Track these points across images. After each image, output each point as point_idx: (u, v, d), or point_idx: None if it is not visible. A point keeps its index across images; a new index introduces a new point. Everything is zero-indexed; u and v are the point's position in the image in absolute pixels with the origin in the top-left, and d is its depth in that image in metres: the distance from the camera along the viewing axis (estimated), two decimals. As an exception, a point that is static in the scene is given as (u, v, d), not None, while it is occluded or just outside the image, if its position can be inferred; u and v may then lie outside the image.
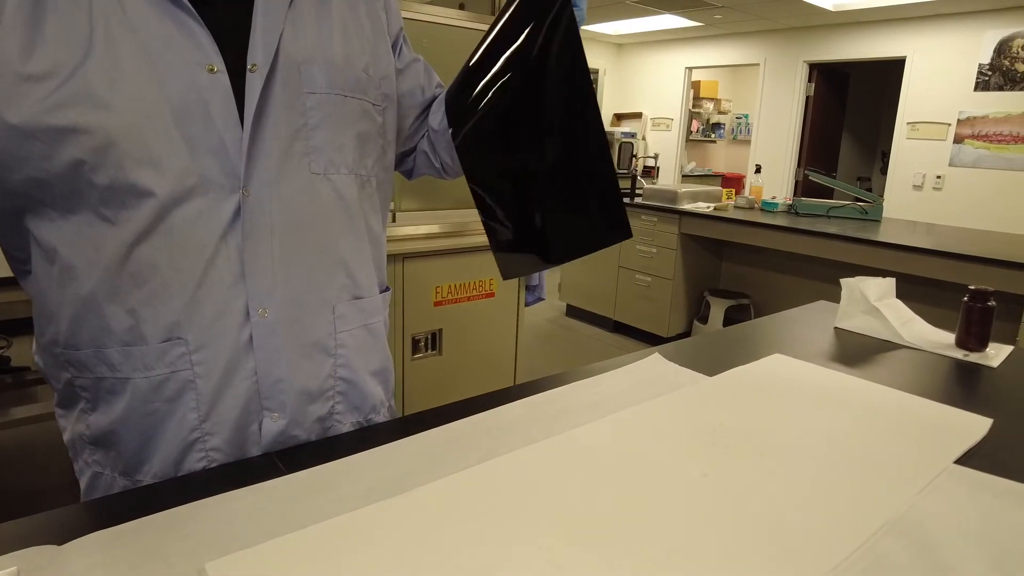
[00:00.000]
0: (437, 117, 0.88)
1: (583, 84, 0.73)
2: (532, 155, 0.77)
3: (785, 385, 0.94)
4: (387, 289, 0.87)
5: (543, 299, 2.54)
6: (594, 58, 6.79)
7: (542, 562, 0.53)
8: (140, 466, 0.71)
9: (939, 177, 5.21)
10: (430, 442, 0.73)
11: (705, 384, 0.93)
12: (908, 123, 5.35)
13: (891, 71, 5.78)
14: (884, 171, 5.75)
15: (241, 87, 0.66)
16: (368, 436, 0.75)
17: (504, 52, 0.76)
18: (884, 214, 3.63)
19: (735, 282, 3.97)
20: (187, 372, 0.67)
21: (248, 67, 0.67)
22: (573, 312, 4.48)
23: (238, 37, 0.67)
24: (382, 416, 0.85)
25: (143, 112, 0.62)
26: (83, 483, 0.74)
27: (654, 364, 1.01)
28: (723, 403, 0.86)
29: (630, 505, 0.62)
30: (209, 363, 0.67)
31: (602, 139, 0.74)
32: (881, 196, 4.61)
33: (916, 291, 2.82)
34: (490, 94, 0.77)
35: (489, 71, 0.77)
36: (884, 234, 3.06)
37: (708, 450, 0.73)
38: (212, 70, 0.65)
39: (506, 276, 0.82)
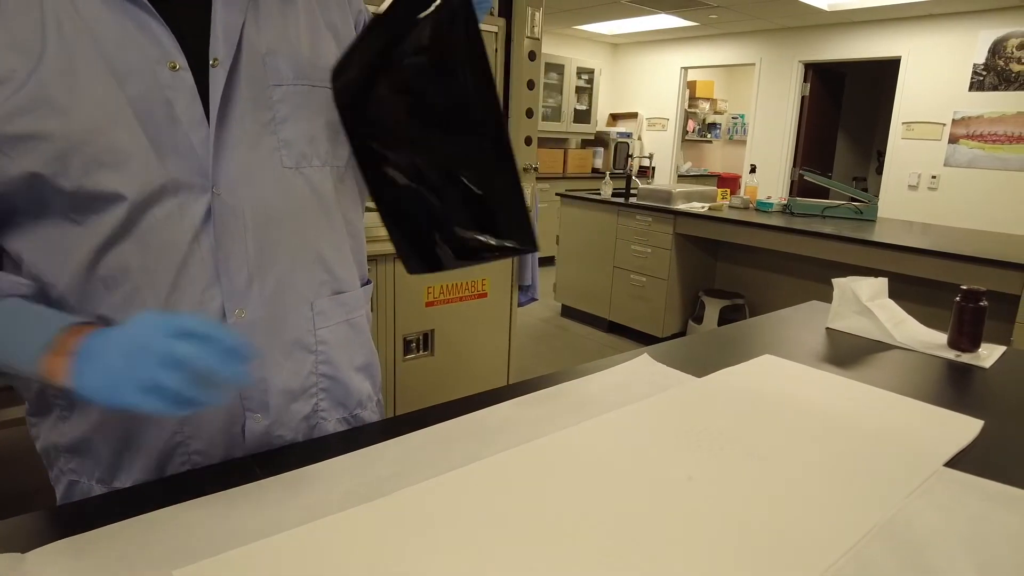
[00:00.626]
0: None
1: (481, 82, 0.66)
2: (420, 153, 0.72)
3: (774, 387, 0.93)
4: (368, 282, 0.85)
5: (536, 299, 2.53)
6: (589, 58, 6.78)
7: (523, 566, 0.52)
8: (118, 472, 0.69)
9: (934, 177, 5.21)
10: (413, 445, 0.72)
11: (693, 385, 0.92)
12: (903, 123, 5.34)
13: (886, 71, 5.78)
14: (880, 171, 5.75)
15: (205, 84, 0.64)
16: (352, 437, 0.74)
17: (389, 40, 0.68)
18: (879, 214, 3.62)
19: (730, 282, 3.96)
20: None
21: (210, 62, 0.64)
22: (568, 312, 4.47)
23: (199, 32, 0.64)
24: (369, 411, 0.84)
25: (104, 115, 0.59)
26: (59, 491, 0.72)
27: (643, 365, 0.99)
28: (710, 405, 0.85)
29: (614, 508, 0.60)
30: None
31: (502, 144, 0.68)
32: (876, 196, 4.60)
33: (910, 291, 2.81)
34: (375, 86, 0.70)
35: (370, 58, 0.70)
36: (879, 234, 3.05)
37: (694, 453, 0.72)
38: (174, 67, 0.62)
39: (410, 271, 0.76)
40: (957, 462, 0.74)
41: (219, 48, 0.64)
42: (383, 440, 0.72)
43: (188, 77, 0.63)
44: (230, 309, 0.67)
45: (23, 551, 0.51)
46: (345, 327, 0.78)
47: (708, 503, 0.62)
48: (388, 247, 0.77)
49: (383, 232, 0.75)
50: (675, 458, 0.70)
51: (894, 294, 1.30)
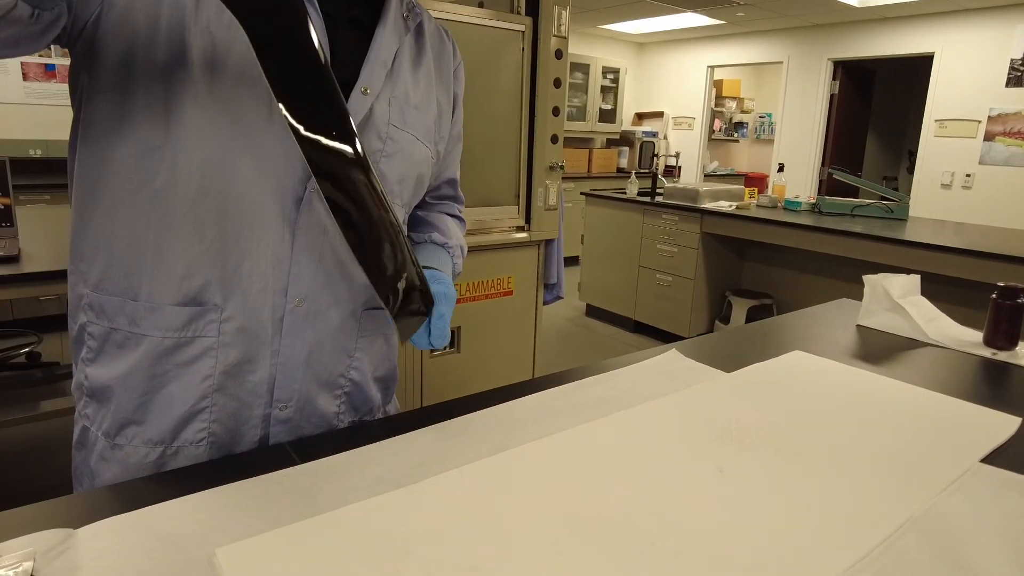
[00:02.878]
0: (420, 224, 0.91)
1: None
2: None
3: (804, 382, 0.93)
4: None
5: (561, 297, 2.53)
6: (615, 57, 6.75)
7: (550, 554, 0.52)
8: (125, 429, 0.70)
9: (968, 176, 5.10)
10: (442, 434, 0.73)
11: (722, 380, 0.92)
12: (936, 120, 5.24)
13: (919, 68, 5.67)
14: (911, 170, 5.64)
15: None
16: (382, 427, 0.75)
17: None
18: (911, 213, 3.55)
19: (758, 282, 3.92)
20: (211, 339, 0.68)
21: (361, 89, 0.72)
22: (593, 312, 4.46)
23: (349, 58, 0.72)
24: (376, 419, 0.87)
25: (253, 110, 0.65)
26: (75, 434, 0.75)
27: (671, 360, 0.99)
28: (740, 399, 0.85)
29: (643, 499, 0.61)
30: (236, 335, 0.69)
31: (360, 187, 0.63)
32: (908, 195, 4.51)
33: (944, 291, 2.75)
34: None
35: None
36: (910, 233, 3.00)
37: (724, 446, 0.72)
38: None
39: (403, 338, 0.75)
40: (994, 459, 0.73)
41: (371, 79, 0.73)
42: (413, 430, 0.73)
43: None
44: (292, 295, 0.71)
45: (75, 527, 0.53)
46: (382, 340, 0.83)
47: (739, 494, 0.62)
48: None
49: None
50: (705, 451, 0.71)
51: (926, 294, 1.28)
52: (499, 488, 0.62)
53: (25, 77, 4.01)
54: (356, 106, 0.71)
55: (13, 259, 1.76)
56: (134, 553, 0.51)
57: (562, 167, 2.33)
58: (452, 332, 2.25)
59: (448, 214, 0.96)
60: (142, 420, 0.70)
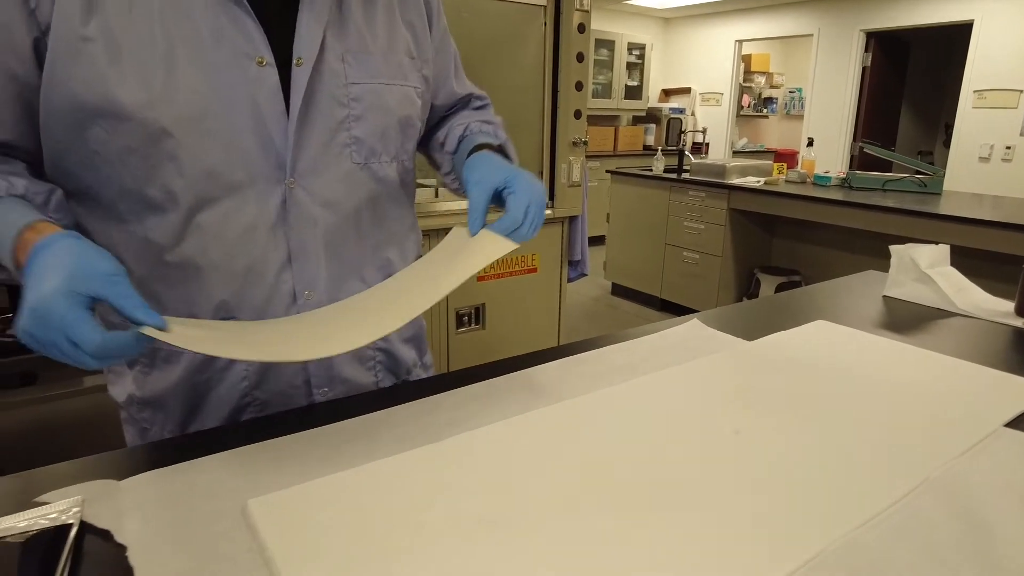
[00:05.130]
0: (451, 137, 0.87)
1: None
2: None
3: (827, 350, 0.93)
4: (420, 256, 0.90)
5: (586, 274, 2.54)
6: (640, 33, 6.65)
7: (568, 510, 0.54)
8: (188, 427, 0.75)
9: (1008, 148, 4.93)
10: (466, 397, 0.75)
11: (743, 348, 0.92)
12: (975, 91, 5.07)
13: (956, 37, 5.48)
14: (947, 144, 5.48)
15: (287, 80, 0.66)
16: (410, 389, 0.77)
17: None
18: (947, 188, 3.46)
19: (786, 258, 3.86)
20: None
21: (294, 61, 0.66)
22: (618, 291, 4.45)
23: (283, 30, 0.67)
24: (415, 376, 0.90)
25: (196, 103, 0.62)
26: (128, 434, 0.78)
27: (693, 329, 1.00)
28: (760, 366, 0.85)
29: (659, 458, 0.62)
30: None
31: None
32: (943, 169, 4.38)
33: (981, 266, 2.68)
34: None
35: None
36: (944, 207, 2.93)
37: (742, 409, 0.73)
38: (261, 63, 0.65)
39: None
40: (1019, 424, 0.72)
41: (303, 48, 0.67)
42: (438, 393, 0.75)
43: (273, 73, 0.66)
44: (300, 291, 0.72)
45: (118, 479, 0.56)
46: None
47: (756, 455, 0.63)
48: (441, 222, 0.84)
49: (436, 207, 0.80)
50: (723, 413, 0.71)
51: (962, 269, 1.25)
52: (520, 447, 0.63)
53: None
54: (297, 82, 0.66)
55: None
56: (173, 503, 0.54)
57: (585, 143, 2.32)
58: (477, 309, 2.28)
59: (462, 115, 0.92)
60: (199, 418, 0.74)
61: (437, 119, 0.91)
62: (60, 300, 0.49)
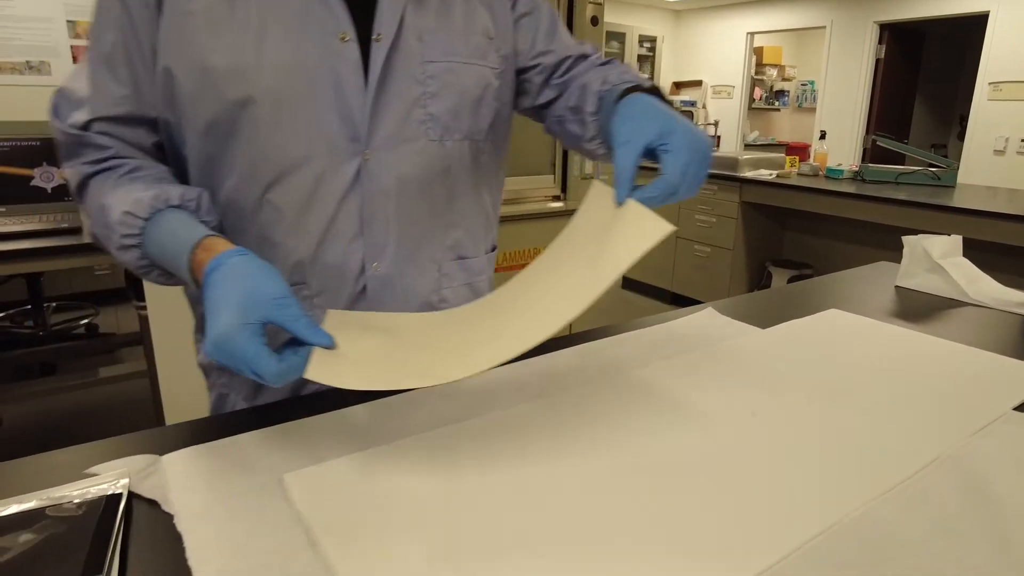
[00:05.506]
0: (588, 97, 0.79)
1: None
2: None
3: (839, 337, 0.94)
4: (494, 249, 0.91)
5: (598, 267, 2.55)
6: (651, 25, 6.63)
7: (595, 482, 0.56)
8: (261, 391, 0.79)
9: None
10: (485, 382, 0.77)
11: (757, 335, 0.94)
12: (990, 83, 5.03)
13: (971, 28, 5.43)
14: (962, 137, 5.44)
15: (366, 56, 0.70)
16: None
17: None
18: (961, 180, 3.45)
19: (798, 252, 3.86)
20: (309, 314, 0.74)
21: (373, 37, 0.70)
22: (629, 284, 4.46)
23: (366, 8, 0.70)
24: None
25: (284, 76, 0.67)
26: (211, 400, 0.84)
27: (707, 318, 1.02)
28: (775, 352, 0.87)
29: (681, 437, 0.64)
30: (327, 307, 0.75)
31: None
32: (958, 162, 4.36)
33: (995, 260, 2.68)
34: None
35: None
36: (958, 200, 2.92)
37: (758, 393, 0.74)
38: (344, 38, 0.69)
39: None
40: (1028, 407, 0.74)
41: (383, 25, 0.70)
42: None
43: (355, 49, 0.69)
44: (368, 262, 0.75)
45: (160, 454, 0.59)
46: (466, 289, 0.85)
47: (773, 434, 0.65)
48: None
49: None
50: (739, 397, 0.73)
51: (976, 263, 1.26)
52: (545, 427, 0.66)
53: (75, 60, 4.14)
54: (375, 57, 0.70)
55: (77, 230, 1.86)
56: (212, 476, 0.56)
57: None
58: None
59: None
60: (270, 388, 0.77)
61: (547, 88, 0.87)
62: (237, 334, 0.52)
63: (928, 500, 0.56)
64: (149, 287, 1.68)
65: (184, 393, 1.74)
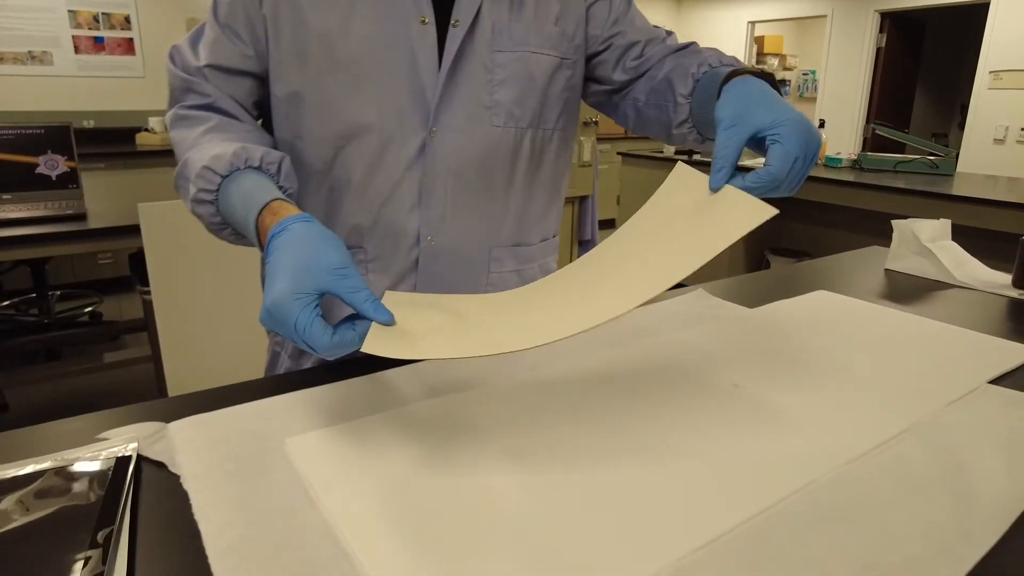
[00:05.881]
0: (680, 80, 0.78)
1: None
2: None
3: (826, 316, 0.97)
4: (551, 237, 0.93)
5: (596, 254, 2.58)
6: (653, 14, 6.62)
7: (582, 449, 0.59)
8: (305, 353, 0.82)
9: None
10: (480, 359, 0.79)
11: (745, 314, 0.96)
12: (991, 72, 5.03)
13: (973, 17, 5.42)
14: (963, 126, 5.44)
15: (442, 40, 0.74)
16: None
17: None
18: (961, 169, 3.46)
19: (797, 240, 3.88)
20: (363, 277, 0.77)
21: (451, 22, 0.74)
22: (628, 273, 4.48)
23: None
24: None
25: (365, 46, 0.72)
26: (267, 358, 0.90)
27: (697, 298, 1.04)
28: (761, 329, 0.90)
29: (664, 406, 0.67)
30: (381, 271, 0.80)
31: None
32: (958, 151, 4.36)
33: (995, 247, 2.70)
34: None
35: None
36: (957, 188, 2.94)
37: (742, 367, 0.77)
38: (424, 21, 0.74)
39: None
40: (1002, 382, 0.76)
41: (461, 12, 0.75)
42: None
43: (433, 31, 0.74)
44: (424, 235, 0.79)
45: (166, 422, 0.62)
46: (514, 276, 0.88)
47: (754, 403, 0.68)
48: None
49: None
50: (723, 369, 0.76)
51: (974, 250, 1.28)
52: (530, 402, 0.68)
53: (77, 50, 4.16)
54: (451, 42, 0.74)
55: (81, 217, 1.89)
56: (218, 442, 0.59)
57: (596, 123, 2.36)
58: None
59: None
60: None
61: (618, 70, 0.85)
62: (290, 303, 0.50)
63: (899, 464, 0.58)
64: (154, 273, 1.71)
65: (189, 378, 1.77)
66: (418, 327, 0.55)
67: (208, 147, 0.67)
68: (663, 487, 0.53)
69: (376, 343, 0.51)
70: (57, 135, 1.99)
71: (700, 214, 0.58)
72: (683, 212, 0.61)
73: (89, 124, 4.20)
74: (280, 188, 0.66)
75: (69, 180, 2.05)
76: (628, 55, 0.85)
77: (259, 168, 0.66)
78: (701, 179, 0.61)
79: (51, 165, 2.00)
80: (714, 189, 0.59)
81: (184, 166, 0.69)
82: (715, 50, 0.80)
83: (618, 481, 0.54)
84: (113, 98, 4.28)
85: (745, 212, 0.54)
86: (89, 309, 3.40)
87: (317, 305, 0.52)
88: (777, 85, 0.65)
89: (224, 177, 0.65)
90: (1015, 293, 1.13)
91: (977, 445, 0.62)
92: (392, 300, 0.59)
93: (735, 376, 0.74)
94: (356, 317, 0.54)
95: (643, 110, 0.83)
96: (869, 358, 0.81)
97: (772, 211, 0.52)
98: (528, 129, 0.81)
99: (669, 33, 0.87)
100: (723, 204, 0.57)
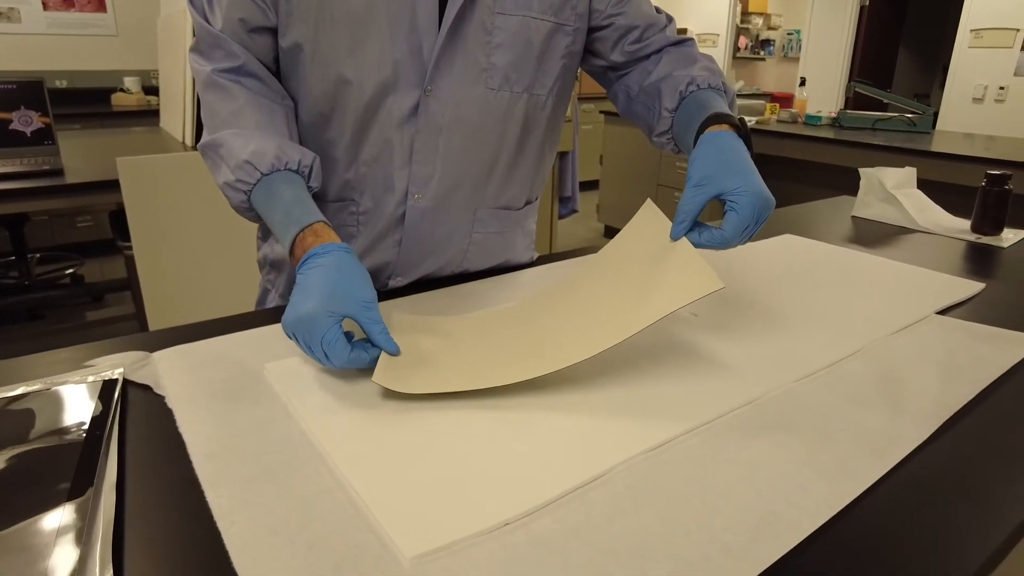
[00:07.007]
0: (669, 92, 0.80)
1: None
2: None
3: (789, 256, 1.00)
4: (534, 200, 0.95)
5: (576, 211, 2.60)
6: (637, -28, 6.51)
7: (534, 389, 0.62)
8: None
9: (1002, 88, 4.93)
10: (447, 295, 0.83)
11: (713, 253, 0.99)
12: (972, 31, 5.03)
13: (957, -25, 5.39)
14: (944, 86, 5.46)
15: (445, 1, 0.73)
16: (402, 292, 0.85)
17: None
18: (940, 127, 3.49)
19: (778, 199, 3.89)
20: (353, 228, 0.83)
21: None
22: (611, 233, 4.50)
23: None
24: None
25: (362, 6, 0.71)
26: (258, 294, 0.95)
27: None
28: (725, 266, 0.93)
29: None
30: (370, 225, 0.82)
31: None
32: (938, 112, 4.40)
33: (968, 204, 2.76)
34: None
35: None
36: (935, 145, 2.97)
37: (702, 300, 0.80)
38: None
39: None
40: (951, 313, 0.81)
41: None
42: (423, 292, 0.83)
43: None
44: (411, 192, 0.81)
45: (151, 351, 0.64)
46: (496, 237, 0.90)
47: (711, 330, 0.72)
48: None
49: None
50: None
51: (947, 205, 1.31)
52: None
53: (45, 7, 4.04)
54: (452, 2, 0.72)
55: (58, 172, 1.88)
56: (201, 366, 0.62)
57: (578, 79, 2.35)
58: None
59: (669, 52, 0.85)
60: None
61: (616, 50, 0.86)
62: (323, 319, 0.58)
63: (842, 381, 0.63)
64: (135, 228, 1.71)
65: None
66: (418, 359, 0.63)
67: (247, 137, 0.70)
68: (621, 401, 0.57)
69: (383, 375, 0.58)
70: (30, 91, 1.96)
71: (657, 266, 0.66)
72: (644, 259, 0.69)
73: (62, 84, 4.11)
74: (309, 188, 0.72)
75: (44, 136, 2.03)
76: (627, 38, 0.86)
77: (296, 171, 0.71)
78: (664, 224, 0.69)
79: (25, 121, 1.97)
80: (674, 238, 0.67)
81: (219, 144, 0.71)
82: (708, 59, 0.83)
83: (585, 391, 0.58)
84: (86, 57, 4.18)
85: (695, 281, 0.60)
86: (70, 272, 3.38)
87: (342, 325, 0.59)
88: (748, 136, 0.72)
89: (264, 174, 0.69)
90: (973, 237, 1.18)
91: (913, 364, 0.66)
92: (399, 325, 0.69)
93: (696, 307, 0.78)
94: (369, 342, 0.61)
95: (633, 101, 0.87)
96: (826, 292, 0.85)
97: (719, 285, 0.59)
98: (523, 94, 0.81)
99: (670, 19, 0.89)
100: (678, 264, 0.64)
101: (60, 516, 0.42)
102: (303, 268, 0.63)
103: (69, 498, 0.43)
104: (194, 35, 0.77)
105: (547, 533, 0.42)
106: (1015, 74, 4.85)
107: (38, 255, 3.46)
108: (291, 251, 0.66)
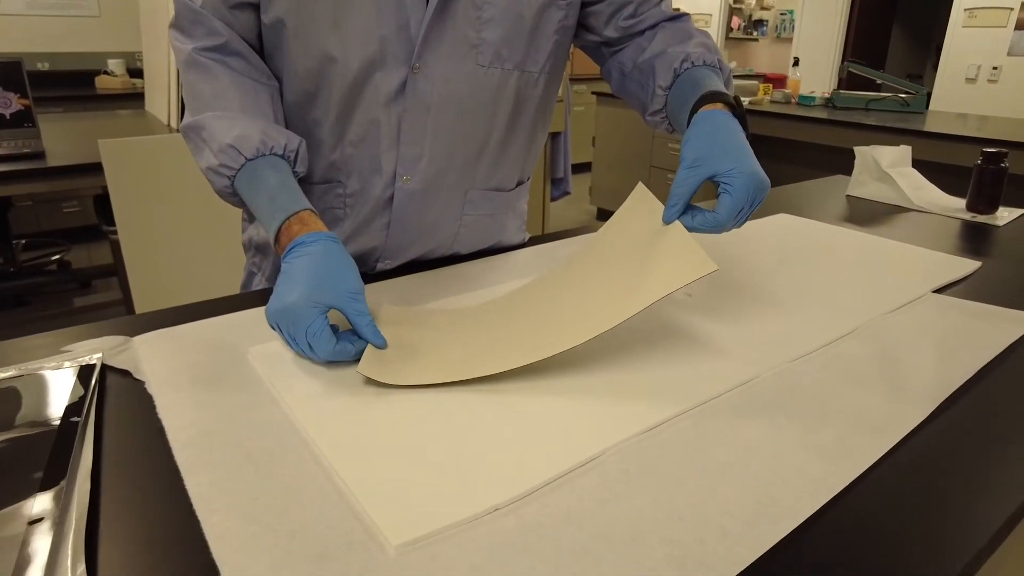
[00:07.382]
0: (663, 69, 0.78)
1: None
2: None
3: (784, 236, 0.99)
4: (526, 181, 0.93)
5: (569, 192, 2.58)
6: (629, -49, 6.43)
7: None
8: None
9: (995, 68, 4.91)
10: (439, 277, 0.81)
11: (704, 236, 0.98)
12: (965, 9, 5.00)
13: (951, -47, 5.34)
14: (937, 67, 5.43)
15: None
16: (389, 275, 0.83)
17: None
18: (932, 107, 3.48)
19: (772, 179, 3.88)
20: (340, 211, 0.80)
21: None
22: (604, 216, 4.49)
23: None
24: None
25: None
26: (243, 277, 0.93)
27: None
28: (720, 246, 0.92)
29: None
30: (357, 207, 0.79)
31: None
32: (931, 92, 4.38)
33: (962, 185, 2.75)
34: None
35: None
36: (929, 125, 2.96)
37: (698, 282, 0.79)
38: None
39: None
40: (948, 292, 0.80)
41: None
42: (414, 272, 0.82)
43: None
44: (400, 173, 0.78)
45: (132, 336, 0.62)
46: (487, 219, 0.88)
47: (709, 309, 0.71)
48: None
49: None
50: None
51: (941, 185, 1.30)
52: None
53: (24, -14, 3.95)
54: None
55: (39, 155, 1.84)
56: (181, 351, 0.60)
57: (570, 58, 2.32)
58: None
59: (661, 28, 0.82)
60: None
61: (610, 25, 0.84)
62: (308, 310, 0.57)
63: (840, 360, 0.62)
64: (119, 211, 1.68)
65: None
66: (405, 351, 0.61)
67: (231, 120, 0.68)
68: (613, 383, 0.56)
69: (368, 366, 0.57)
70: (8, 71, 1.92)
71: (649, 249, 0.64)
72: (636, 243, 0.66)
73: (44, 67, 4.03)
74: (294, 173, 0.70)
75: (24, 119, 1.98)
76: (621, 12, 0.83)
77: (282, 156, 0.69)
78: (656, 207, 0.67)
79: (4, 103, 1.92)
80: (667, 221, 0.65)
81: (202, 127, 0.69)
82: (704, 35, 0.81)
83: (572, 378, 0.56)
84: (68, 39, 4.09)
85: (688, 264, 0.58)
86: (56, 258, 3.34)
87: (327, 316, 0.58)
88: (744, 115, 0.70)
89: (248, 159, 0.67)
90: (968, 215, 1.17)
91: (910, 343, 0.65)
92: (387, 317, 0.67)
93: (690, 288, 0.77)
94: (355, 334, 0.59)
95: (627, 78, 0.84)
96: (823, 271, 0.84)
97: (712, 268, 0.57)
98: (515, 71, 0.78)
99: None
100: (671, 247, 0.62)
101: (32, 506, 0.40)
102: (288, 257, 0.61)
103: (42, 488, 0.41)
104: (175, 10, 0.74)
105: (538, 519, 0.40)
106: (1008, 54, 4.83)
107: (23, 241, 3.42)
108: (276, 239, 0.64)
